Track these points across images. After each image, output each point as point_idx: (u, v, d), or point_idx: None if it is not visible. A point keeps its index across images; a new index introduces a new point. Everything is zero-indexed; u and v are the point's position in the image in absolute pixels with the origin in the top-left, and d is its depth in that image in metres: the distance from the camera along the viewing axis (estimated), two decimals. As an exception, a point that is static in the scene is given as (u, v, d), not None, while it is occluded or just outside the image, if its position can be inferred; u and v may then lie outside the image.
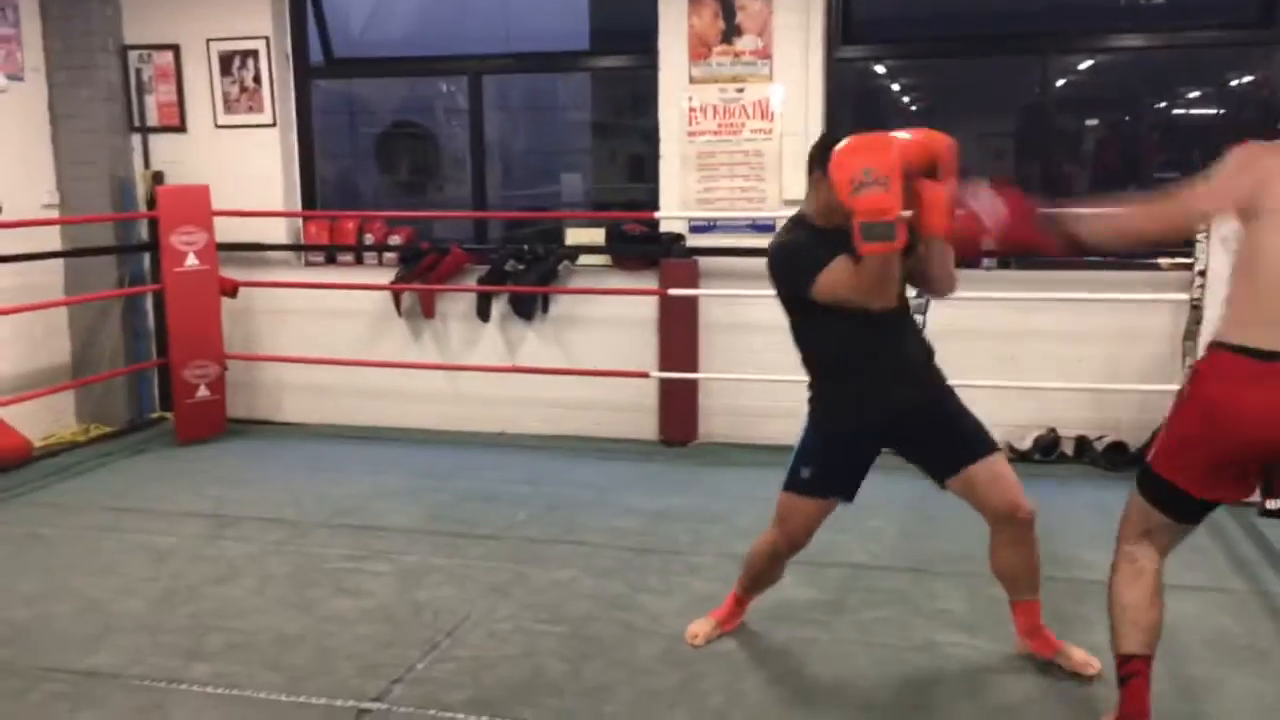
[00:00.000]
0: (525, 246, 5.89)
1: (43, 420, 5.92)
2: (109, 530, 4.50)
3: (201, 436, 5.87)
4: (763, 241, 5.58)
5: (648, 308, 5.71)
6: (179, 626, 3.53)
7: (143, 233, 6.26)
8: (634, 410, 5.83)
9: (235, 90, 6.17)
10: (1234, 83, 6.53)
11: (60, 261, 6.02)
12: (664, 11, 5.61)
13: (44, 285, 5.91)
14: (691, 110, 5.62)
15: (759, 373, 5.40)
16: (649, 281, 5.69)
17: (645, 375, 5.66)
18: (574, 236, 5.97)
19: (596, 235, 5.91)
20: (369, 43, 7.30)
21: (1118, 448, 5.09)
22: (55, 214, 6.07)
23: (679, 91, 5.63)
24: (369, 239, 6.18)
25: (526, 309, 5.91)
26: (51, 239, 5.97)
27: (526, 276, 5.83)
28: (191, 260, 5.80)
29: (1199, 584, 3.70)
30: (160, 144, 6.28)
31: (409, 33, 7.60)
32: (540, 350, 5.94)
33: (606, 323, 5.84)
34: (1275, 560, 3.92)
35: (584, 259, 5.87)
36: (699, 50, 5.58)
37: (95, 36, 6.07)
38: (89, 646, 3.37)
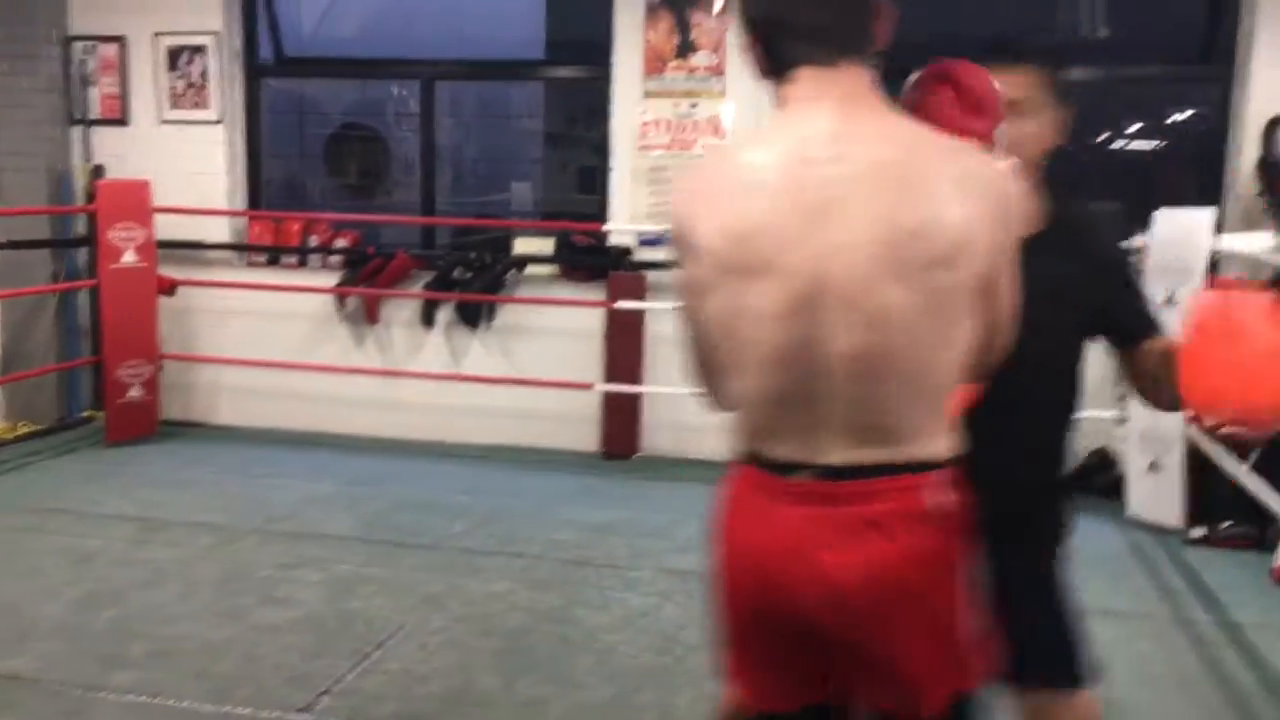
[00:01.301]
0: (473, 254, 5.86)
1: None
2: (32, 531, 4.38)
3: (133, 437, 5.74)
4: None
5: (594, 319, 5.70)
6: (101, 632, 3.44)
7: (80, 227, 6.12)
8: (577, 422, 5.80)
9: (182, 85, 6.07)
10: (1175, 117, 6.70)
11: (-6, 253, 5.87)
12: (620, 24, 5.62)
13: (-25, 277, 5.76)
14: (644, 124, 5.63)
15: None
16: (597, 293, 5.68)
17: (589, 387, 5.65)
18: (522, 246, 5.95)
19: (545, 245, 5.89)
20: (321, 41, 7.23)
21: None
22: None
23: (632, 105, 5.64)
24: (314, 241, 6.10)
25: (472, 317, 5.87)
26: (-16, 230, 5.82)
27: (473, 284, 5.80)
28: (129, 257, 5.68)
29: (1123, 610, 3.77)
30: (102, 137, 6.16)
31: (362, 33, 7.54)
32: (484, 359, 5.90)
33: (552, 333, 5.81)
34: (1200, 588, 4.01)
35: (531, 269, 5.85)
36: (653, 64, 5.59)
37: (39, 26, 5.94)
38: (7, 650, 3.27)
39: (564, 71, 6.44)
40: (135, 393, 5.77)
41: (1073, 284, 1.86)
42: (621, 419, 5.72)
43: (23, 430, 5.94)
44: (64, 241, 6.07)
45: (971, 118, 1.65)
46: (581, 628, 3.55)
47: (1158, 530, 4.53)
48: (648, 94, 5.62)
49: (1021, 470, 1.97)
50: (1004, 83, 1.73)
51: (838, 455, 1.45)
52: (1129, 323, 1.93)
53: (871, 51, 1.46)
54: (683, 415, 5.66)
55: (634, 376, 5.64)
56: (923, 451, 1.47)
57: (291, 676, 3.16)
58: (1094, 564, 4.17)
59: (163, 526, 4.45)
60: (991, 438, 1.74)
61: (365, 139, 7.35)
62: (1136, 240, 4.75)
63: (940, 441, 1.50)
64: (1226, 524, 4.37)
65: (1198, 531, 4.42)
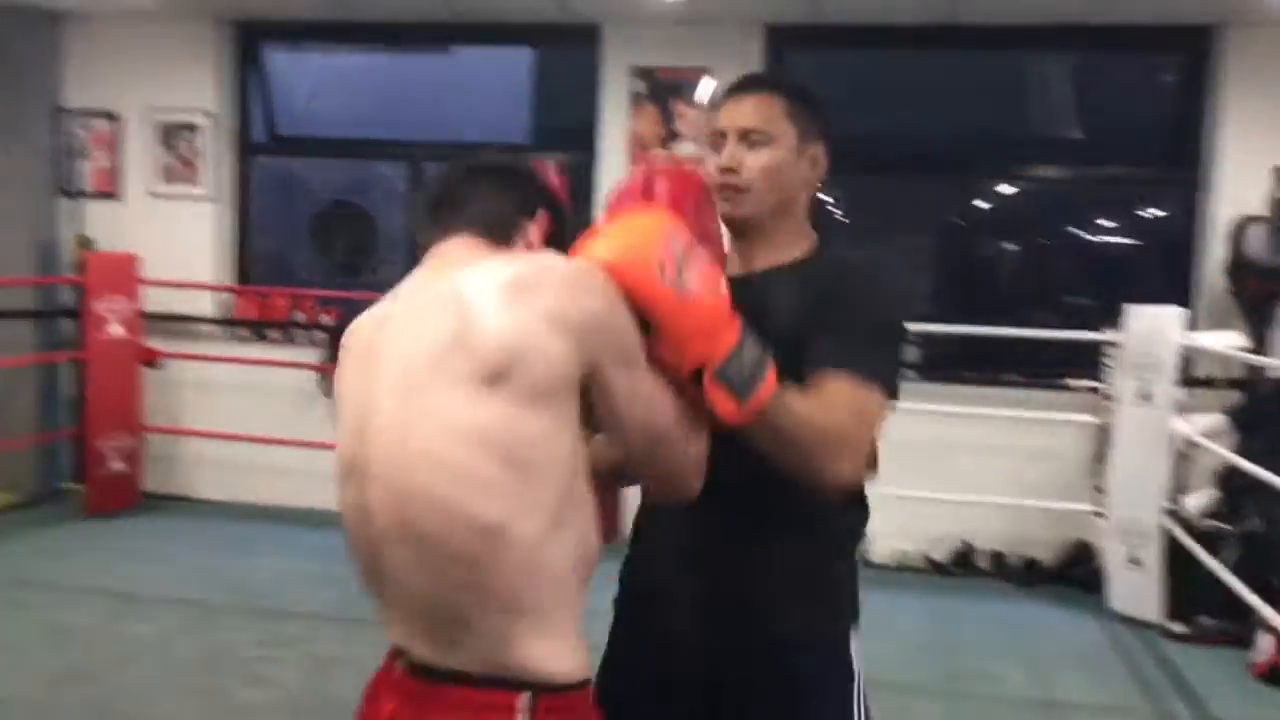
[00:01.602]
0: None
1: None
2: (10, 605, 4.34)
3: (114, 510, 5.70)
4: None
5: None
6: (74, 707, 3.41)
7: (67, 298, 6.15)
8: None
9: (175, 162, 6.16)
10: (1145, 214, 6.90)
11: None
12: (605, 112, 5.78)
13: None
14: (629, 209, 5.74)
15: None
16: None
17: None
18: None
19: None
20: (312, 118, 7.37)
21: (1031, 565, 5.21)
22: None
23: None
24: (300, 317, 6.15)
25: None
26: (-30, 300, 5.84)
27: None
28: (115, 329, 5.71)
29: (1104, 704, 3.80)
30: (93, 210, 6.22)
31: (352, 114, 7.68)
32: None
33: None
34: (1181, 684, 4.03)
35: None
36: (639, 152, 5.74)
37: (30, 101, 6.03)
38: (-22, 730, 3.24)
39: (549, 156, 6.58)
40: (117, 465, 5.75)
41: (805, 324, 1.53)
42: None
43: (2, 502, 5.89)
44: (50, 312, 6.09)
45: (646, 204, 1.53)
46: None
47: (1138, 624, 4.56)
48: (634, 180, 5.75)
49: (779, 606, 1.56)
50: (738, 111, 1.62)
51: (419, 649, 1.24)
52: (816, 354, 1.49)
53: (503, 217, 1.42)
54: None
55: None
56: (515, 660, 1.19)
57: (270, 760, 3.14)
58: (1074, 658, 4.23)
59: (142, 602, 4.42)
60: (723, 562, 1.55)
61: (353, 216, 7.45)
62: (1108, 333, 4.89)
63: (545, 649, 1.19)
64: (1207, 619, 4.41)
65: (1178, 627, 4.45)
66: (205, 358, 6.06)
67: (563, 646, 1.20)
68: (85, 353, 5.70)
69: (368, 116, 7.56)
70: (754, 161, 1.59)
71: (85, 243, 6.13)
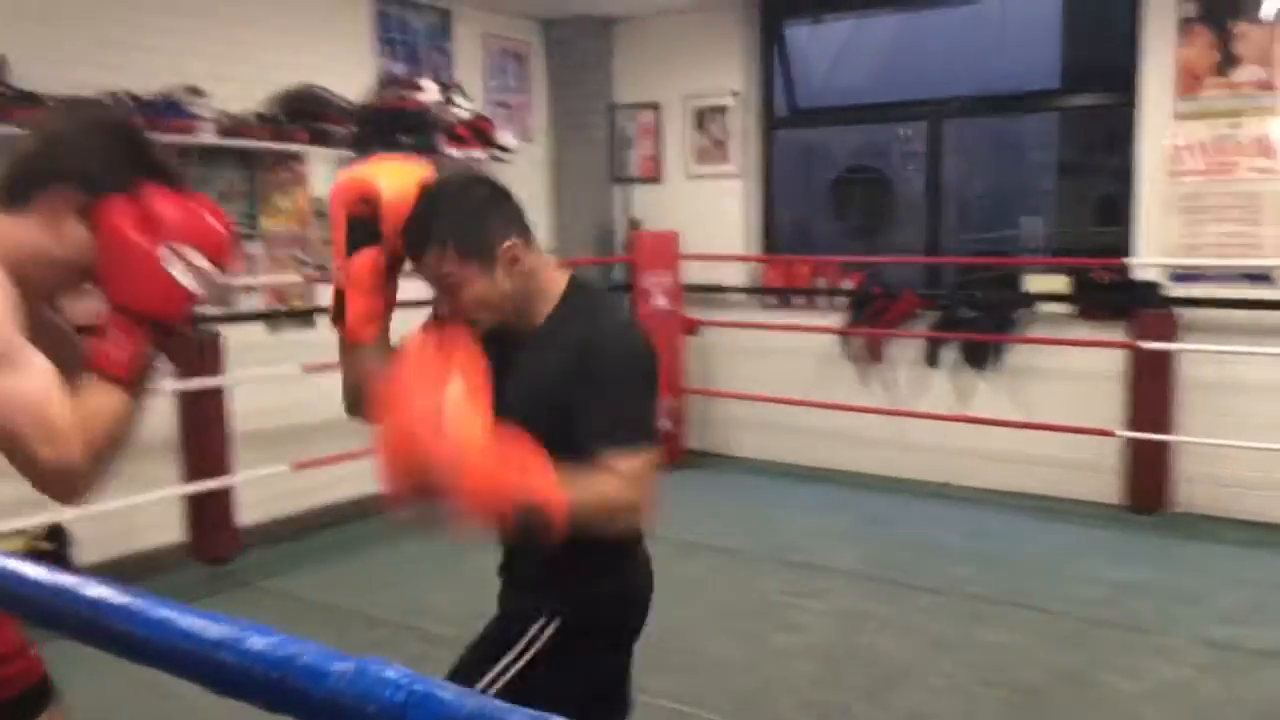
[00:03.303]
0: (979, 293, 5.73)
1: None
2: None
3: (664, 465, 6.29)
4: (1259, 293, 5.05)
5: (1114, 361, 5.31)
6: (645, 641, 3.81)
7: (620, 275, 6.88)
8: (1094, 471, 5.43)
9: (707, 143, 6.62)
10: None
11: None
12: (1147, 45, 5.23)
13: (537, 320, 6.68)
14: (1175, 149, 5.17)
15: (1250, 439, 4.83)
16: (1116, 333, 5.30)
17: (1110, 434, 5.26)
18: (1033, 283, 5.71)
19: (1058, 283, 5.60)
20: (831, 91, 7.51)
21: None
22: (550, 258, 6.85)
23: (1161, 129, 5.21)
24: (822, 283, 6.33)
25: (979, 358, 5.74)
26: (546, 279, 6.73)
27: (980, 324, 5.67)
28: (660, 301, 6.28)
29: None
30: (640, 194, 6.89)
31: (871, 80, 7.70)
32: (992, 401, 5.73)
33: (1066, 375, 5.50)
34: None
35: (1043, 307, 5.59)
36: (1188, 84, 5.12)
37: (591, 99, 6.81)
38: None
39: (1081, 99, 6.11)
40: (663, 424, 6.33)
41: (560, 388, 1.76)
42: (1148, 470, 5.26)
43: (571, 453, 6.77)
44: (608, 288, 6.86)
45: None
46: (1107, 693, 3.31)
47: None
48: (1179, 116, 5.16)
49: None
50: (424, 269, 1.76)
51: None
52: (583, 430, 1.70)
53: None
54: (1224, 469, 5.09)
55: (1163, 424, 5.16)
56: None
57: (802, 702, 3.29)
58: None
59: (690, 548, 4.85)
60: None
61: (870, 181, 7.49)
62: None
63: None
64: None
65: None
66: (737, 324, 6.46)
67: None
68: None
69: (888, 79, 7.54)
70: (466, 297, 1.76)
71: (634, 224, 6.82)
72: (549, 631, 1.86)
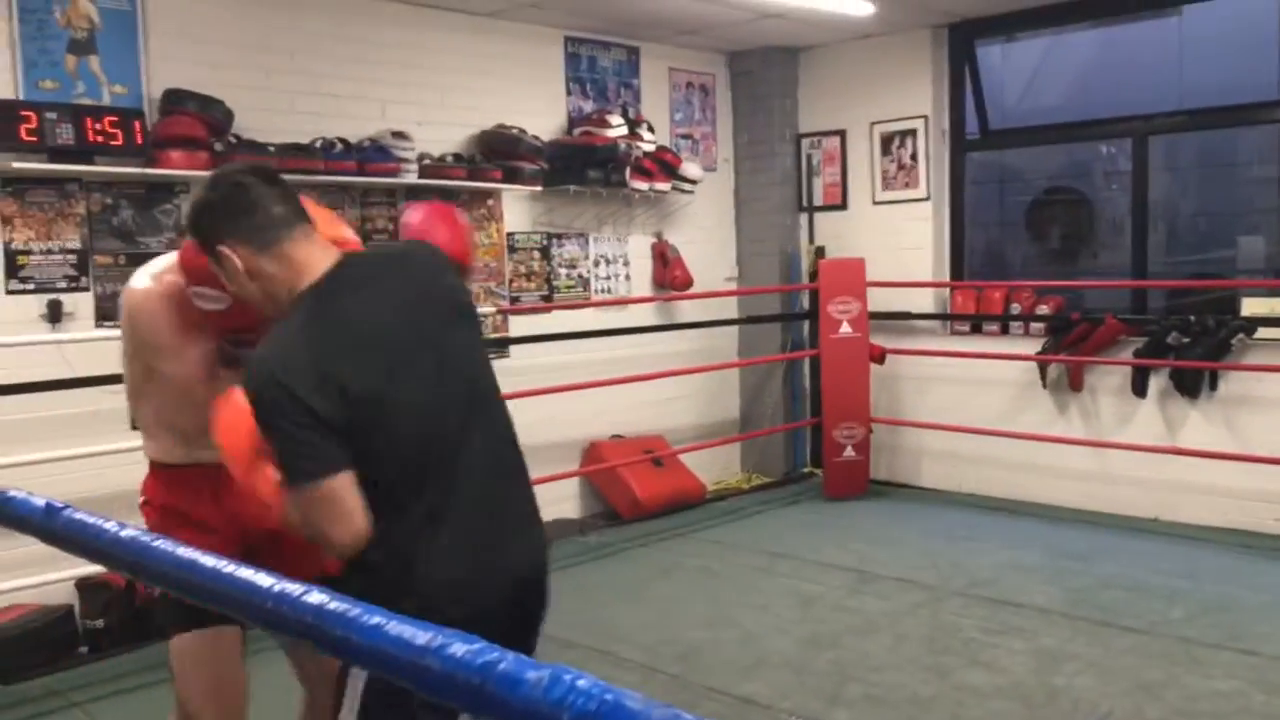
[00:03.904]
0: (1192, 318, 5.40)
1: (714, 467, 6.72)
2: (764, 572, 4.96)
3: (846, 494, 6.22)
4: None
5: (1347, 390, 4.91)
6: (822, 670, 3.78)
7: (805, 302, 6.85)
8: (1324, 508, 5.02)
9: (893, 168, 6.53)
10: None
11: (736, 327, 6.82)
12: (1380, 48, 4.84)
13: (722, 349, 6.75)
14: None
15: None
16: (1349, 360, 4.90)
17: (1341, 469, 4.86)
18: (1252, 307, 5.34)
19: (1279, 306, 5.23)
20: (1026, 111, 7.27)
21: None
22: (734, 286, 6.90)
23: (1398, 138, 4.80)
24: (1015, 308, 6.12)
25: (1191, 386, 5.41)
26: (730, 308, 6.79)
27: (1192, 350, 5.34)
28: (845, 328, 6.22)
29: None
30: (823, 221, 6.85)
31: (1069, 97, 7.42)
32: (1205, 431, 5.39)
33: (1290, 405, 5.12)
34: None
35: (1264, 332, 5.22)
36: None
37: (775, 128, 6.83)
38: (745, 674, 3.75)
39: (1305, 109, 5.70)
40: (849, 453, 6.26)
41: None
42: (1385, 508, 4.82)
43: (755, 482, 6.78)
44: (791, 315, 6.85)
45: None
46: (1336, 749, 3.05)
47: None
48: None
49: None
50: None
51: None
52: None
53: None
54: None
55: (1403, 458, 4.73)
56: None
57: (998, 743, 3.17)
58: None
59: (874, 579, 4.76)
60: None
61: (1069, 202, 7.19)
62: None
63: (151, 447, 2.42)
64: None
65: None
66: (925, 352, 6.31)
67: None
68: (820, 350, 6.30)
69: (1088, 97, 7.24)
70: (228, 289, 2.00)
71: (819, 251, 6.78)
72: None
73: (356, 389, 1.76)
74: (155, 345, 2.21)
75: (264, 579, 1.06)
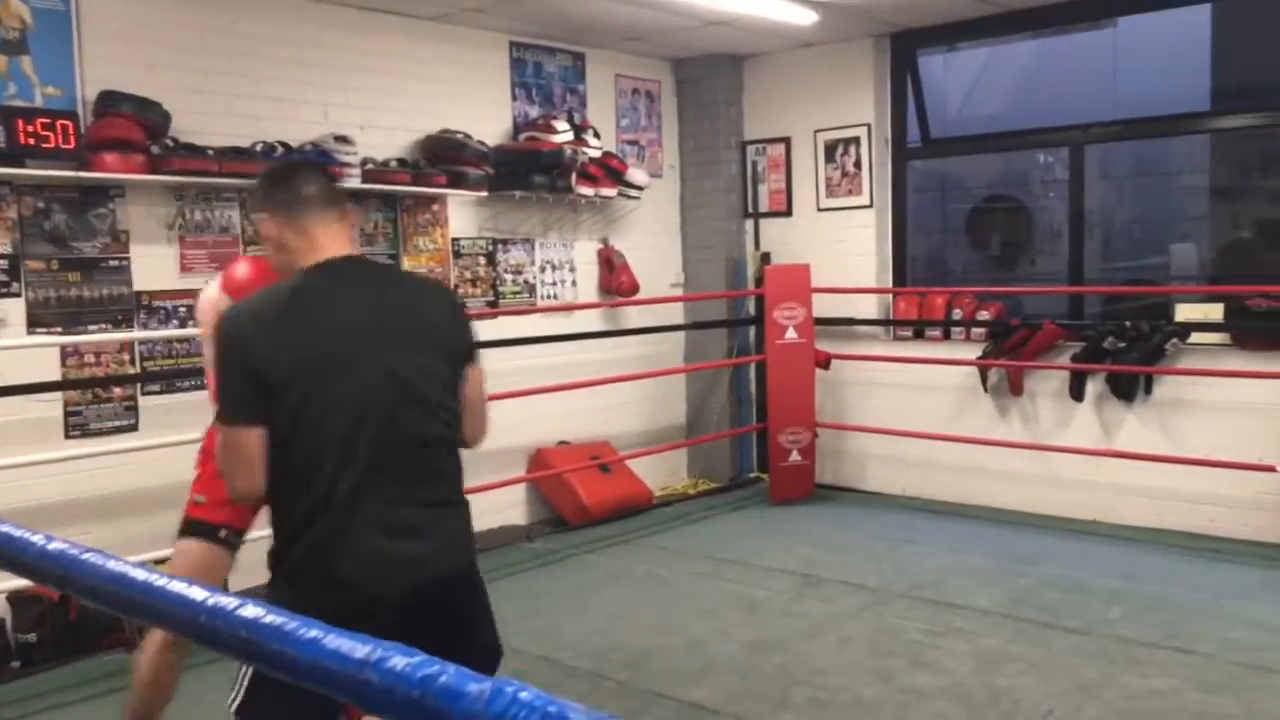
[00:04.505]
0: (1127, 323, 5.52)
1: (661, 473, 6.72)
2: (711, 577, 4.96)
3: (792, 498, 6.26)
4: None
5: (1275, 393, 5.04)
6: (768, 674, 3.79)
7: (750, 308, 6.89)
8: (1253, 508, 5.15)
9: (837, 175, 6.59)
10: None
11: (682, 333, 6.83)
12: (1305, 61, 4.99)
13: (668, 355, 6.76)
14: (1339, 169, 4.90)
15: None
16: (1277, 364, 5.03)
17: (1271, 469, 4.98)
18: (1185, 312, 5.47)
19: (1212, 311, 5.36)
20: (966, 120, 7.39)
21: None
22: (680, 292, 6.92)
23: (1323, 149, 4.95)
24: (957, 314, 6.21)
25: (1126, 390, 5.52)
26: (676, 314, 6.80)
27: (1127, 355, 5.45)
28: (790, 334, 6.26)
29: None
30: (769, 227, 6.89)
31: (1008, 106, 7.55)
32: (1141, 435, 5.50)
33: (1222, 408, 5.24)
34: None
35: (1197, 337, 5.35)
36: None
37: (720, 135, 6.86)
38: (692, 680, 3.75)
39: (1234, 121, 5.85)
40: (795, 457, 6.30)
41: None
42: (1313, 508, 4.95)
43: (702, 487, 6.79)
44: (737, 321, 6.87)
45: None
46: (1267, 744, 3.13)
47: None
48: (1344, 134, 4.90)
49: None
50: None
51: None
52: None
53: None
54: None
55: (1329, 459, 4.86)
56: None
57: (941, 745, 3.20)
58: None
59: (819, 583, 4.79)
60: None
61: (1008, 210, 7.33)
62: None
63: None
64: None
65: None
66: (869, 357, 6.37)
67: None
68: (766, 356, 6.34)
69: (1027, 106, 7.38)
70: None
71: (764, 257, 6.82)
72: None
73: (297, 367, 1.95)
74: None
75: (198, 592, 1.03)
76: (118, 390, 4.48)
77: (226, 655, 0.99)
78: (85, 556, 1.16)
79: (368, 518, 1.98)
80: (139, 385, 4.53)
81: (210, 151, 4.51)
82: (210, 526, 2.84)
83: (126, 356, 4.51)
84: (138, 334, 4.50)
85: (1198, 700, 3.44)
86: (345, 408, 1.97)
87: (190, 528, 2.88)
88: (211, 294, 2.78)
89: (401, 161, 5.31)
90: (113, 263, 4.46)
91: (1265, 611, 4.22)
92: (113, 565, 1.12)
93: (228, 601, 0.99)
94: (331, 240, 2.12)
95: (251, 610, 0.97)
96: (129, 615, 1.13)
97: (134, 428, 4.51)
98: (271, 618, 0.94)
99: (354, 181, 5.03)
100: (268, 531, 2.12)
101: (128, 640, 4.09)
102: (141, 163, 4.32)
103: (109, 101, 4.35)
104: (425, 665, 0.81)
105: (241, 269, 2.81)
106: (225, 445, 2.00)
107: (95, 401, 4.42)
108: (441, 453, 2.12)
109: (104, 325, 4.42)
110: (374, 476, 1.98)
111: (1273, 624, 4.07)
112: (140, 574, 1.09)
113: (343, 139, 5.00)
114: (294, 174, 2.17)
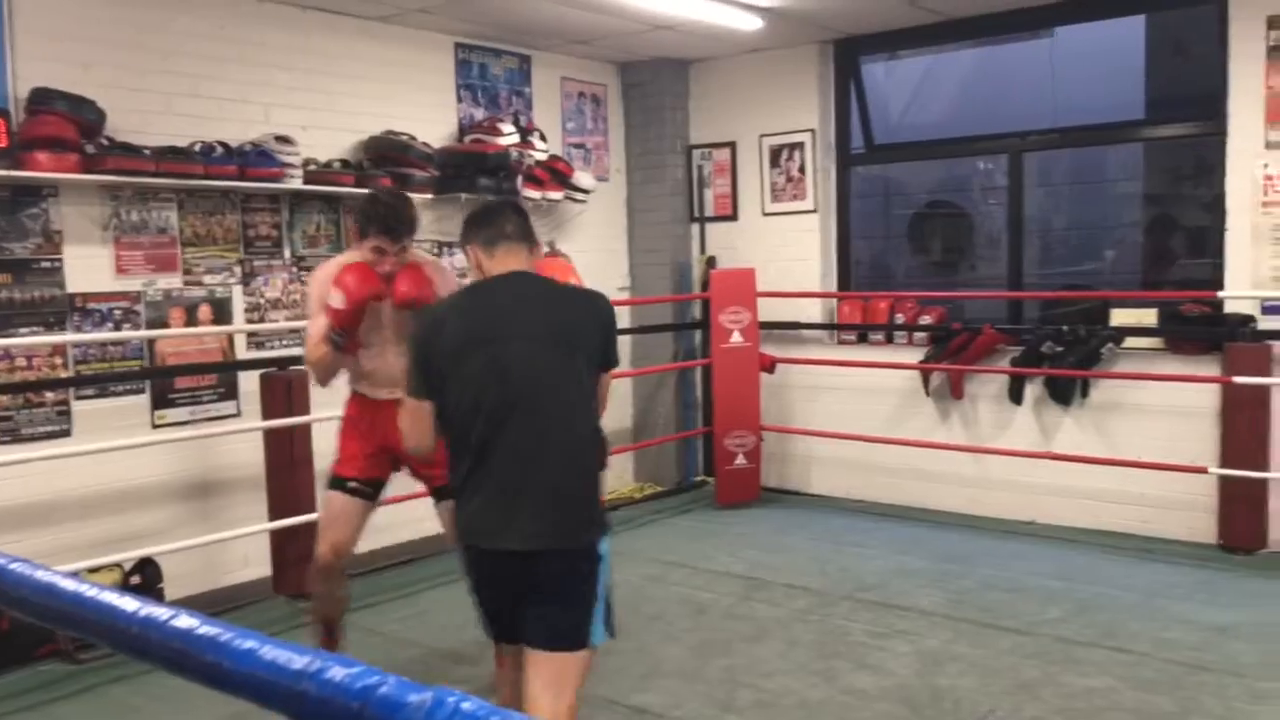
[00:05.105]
0: (1064, 327, 5.62)
1: (608, 477, 6.68)
2: (657, 581, 4.96)
3: (738, 502, 6.28)
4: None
5: (1206, 396, 5.17)
6: (714, 678, 3.80)
7: (696, 312, 6.90)
8: (1187, 509, 5.27)
9: (782, 180, 6.64)
10: None
11: (628, 337, 6.82)
12: (1235, 74, 5.12)
13: (615, 357, 6.73)
14: (1268, 179, 5.04)
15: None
16: (1209, 368, 5.15)
17: (1203, 471, 5.10)
18: (1120, 317, 5.59)
19: (1146, 316, 5.48)
20: (908, 127, 7.48)
21: None
22: (626, 295, 6.91)
23: (1251, 159, 5.08)
24: (900, 319, 6.28)
25: (1064, 393, 5.62)
26: (622, 318, 6.78)
27: (1065, 359, 5.56)
28: (736, 338, 6.28)
29: None
30: (714, 232, 6.92)
31: (949, 114, 7.66)
32: (1078, 437, 5.60)
33: (1155, 411, 5.36)
34: None
35: (1131, 341, 5.46)
36: (1277, 113, 5.00)
37: (666, 139, 6.87)
38: (638, 685, 3.74)
39: (1168, 130, 5.99)
40: (740, 461, 6.32)
41: None
42: (1244, 508, 5.08)
43: (649, 491, 6.79)
44: (683, 325, 6.89)
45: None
46: (1199, 740, 3.19)
47: None
48: (1270, 145, 5.03)
49: None
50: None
51: None
52: None
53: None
54: (1323, 508, 4.90)
55: (1258, 460, 4.99)
56: None
57: (884, 745, 3.22)
58: None
59: (765, 586, 4.81)
60: None
61: (949, 216, 7.43)
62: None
63: None
64: None
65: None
66: (814, 361, 6.43)
67: None
68: (712, 360, 6.36)
69: (967, 114, 7.48)
70: None
71: (710, 261, 6.84)
72: None
73: (449, 356, 2.47)
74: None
75: (129, 603, 1.00)
76: (50, 394, 4.37)
77: (158, 667, 0.97)
78: (13, 566, 1.12)
79: (488, 494, 2.48)
80: (72, 389, 4.42)
81: (147, 151, 4.42)
82: (340, 480, 3.49)
83: (59, 360, 4.40)
84: (70, 337, 4.40)
85: (1134, 698, 3.51)
86: (471, 397, 2.45)
87: (329, 482, 3.54)
88: (330, 269, 3.38)
89: (345, 163, 5.25)
90: (45, 264, 4.35)
91: (1199, 611, 4.32)
92: (40, 575, 1.09)
93: (160, 612, 0.97)
94: (512, 263, 2.63)
95: (185, 621, 0.94)
96: (58, 627, 1.10)
97: (67, 433, 4.41)
98: (206, 629, 0.92)
99: (295, 182, 4.96)
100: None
101: (62, 650, 3.99)
102: (75, 162, 4.22)
103: (41, 99, 4.24)
104: (365, 675, 0.80)
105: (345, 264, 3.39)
106: (406, 410, 2.59)
107: (26, 406, 4.31)
108: (559, 443, 2.53)
109: (35, 328, 4.31)
110: (492, 460, 2.45)
111: (1206, 623, 4.17)
112: (70, 584, 1.06)
113: (284, 139, 4.93)
114: (495, 214, 2.69)
